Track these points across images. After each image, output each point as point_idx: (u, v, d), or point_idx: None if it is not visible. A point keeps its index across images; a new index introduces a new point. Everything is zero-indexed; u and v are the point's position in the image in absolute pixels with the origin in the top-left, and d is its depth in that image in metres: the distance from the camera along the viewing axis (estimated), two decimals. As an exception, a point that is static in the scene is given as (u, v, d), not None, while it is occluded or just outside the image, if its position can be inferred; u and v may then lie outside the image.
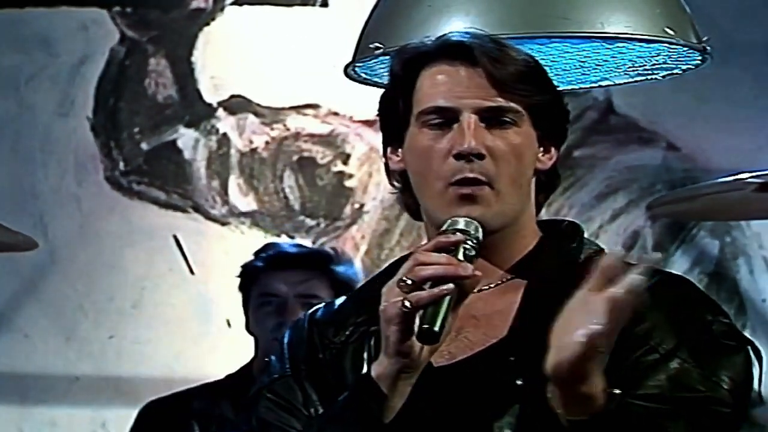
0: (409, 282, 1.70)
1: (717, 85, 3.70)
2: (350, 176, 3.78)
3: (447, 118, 1.78)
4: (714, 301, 1.84)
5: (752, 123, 3.77)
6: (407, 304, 1.69)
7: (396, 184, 1.85)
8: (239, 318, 3.14)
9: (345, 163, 3.78)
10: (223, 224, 3.75)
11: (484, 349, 1.77)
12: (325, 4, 3.77)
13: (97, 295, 3.70)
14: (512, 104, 1.78)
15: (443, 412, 1.75)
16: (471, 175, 1.76)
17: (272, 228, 3.75)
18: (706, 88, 3.69)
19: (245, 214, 3.76)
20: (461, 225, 1.74)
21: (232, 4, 3.79)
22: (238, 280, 3.10)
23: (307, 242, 3.65)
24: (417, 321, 1.72)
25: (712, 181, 3.02)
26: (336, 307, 1.88)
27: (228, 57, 3.76)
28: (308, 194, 3.78)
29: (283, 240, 3.62)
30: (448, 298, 1.69)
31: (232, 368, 3.07)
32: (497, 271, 1.81)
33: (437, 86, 1.78)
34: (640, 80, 2.30)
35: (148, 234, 3.71)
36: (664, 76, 2.30)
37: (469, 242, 1.73)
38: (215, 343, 3.62)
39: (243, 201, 3.76)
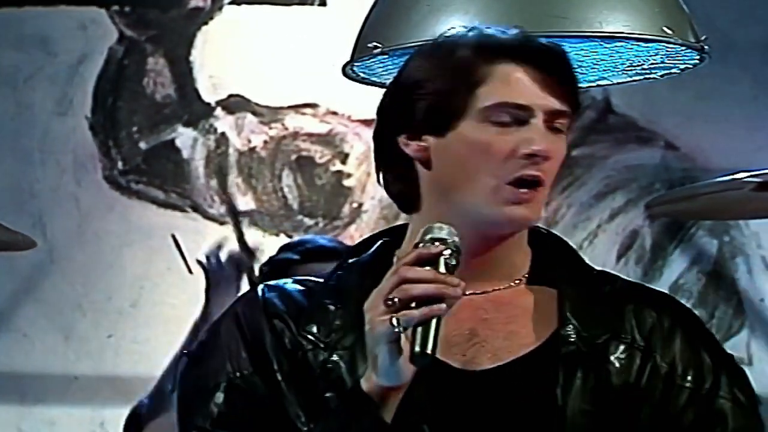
0: (397, 301, 1.64)
1: (716, 85, 3.70)
2: (349, 175, 3.78)
3: (517, 117, 1.74)
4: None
5: (751, 122, 3.77)
6: (395, 323, 1.64)
7: (394, 171, 1.80)
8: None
9: (343, 162, 3.78)
10: (222, 224, 3.74)
11: (516, 360, 1.75)
12: (323, 4, 3.77)
13: (96, 294, 3.70)
14: (571, 110, 1.77)
15: (480, 418, 1.72)
16: (536, 173, 1.73)
17: (271, 227, 3.75)
18: (704, 88, 3.69)
19: (244, 213, 3.76)
20: (437, 234, 1.67)
21: (230, 3, 3.78)
22: (265, 272, 3.08)
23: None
24: (404, 340, 1.67)
25: (710, 181, 3.02)
26: (304, 300, 1.80)
27: (226, 56, 3.76)
28: (307, 193, 3.78)
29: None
30: (438, 316, 1.63)
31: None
32: (507, 273, 1.79)
33: (512, 84, 1.74)
34: (639, 79, 2.30)
35: (147, 233, 3.71)
36: (662, 76, 2.29)
37: (449, 251, 1.66)
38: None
39: (241, 200, 3.76)
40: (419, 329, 1.63)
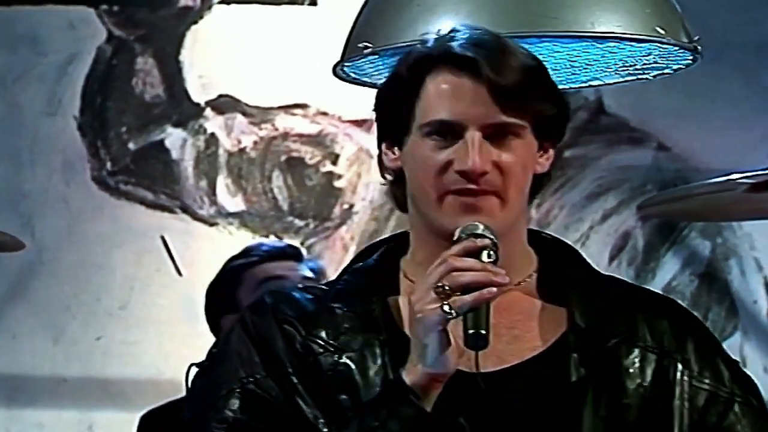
0: (447, 288, 1.69)
1: (708, 85, 3.69)
2: (339, 176, 3.77)
3: (451, 132, 1.77)
4: None
5: (743, 123, 3.76)
6: (447, 309, 1.69)
7: (388, 177, 1.84)
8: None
9: (334, 163, 3.77)
10: (211, 225, 3.73)
11: (523, 362, 1.77)
12: (313, 3, 3.75)
13: (85, 295, 3.68)
14: (517, 120, 1.77)
15: (486, 420, 1.75)
16: (473, 186, 1.75)
17: (261, 229, 3.74)
18: (697, 88, 3.68)
19: (233, 215, 3.75)
20: (480, 230, 1.75)
21: (219, 2, 3.77)
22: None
23: (296, 243, 3.64)
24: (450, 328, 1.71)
25: (703, 182, 3.01)
26: (311, 305, 1.83)
27: (216, 56, 3.75)
28: (297, 195, 3.77)
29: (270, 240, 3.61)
30: (489, 302, 1.70)
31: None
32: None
33: (442, 98, 1.77)
34: (631, 80, 2.29)
35: (136, 234, 3.69)
36: (654, 76, 2.29)
37: (491, 245, 1.74)
38: (203, 345, 3.59)
39: (231, 201, 3.75)
40: (470, 314, 1.69)
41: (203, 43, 3.75)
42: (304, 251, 3.18)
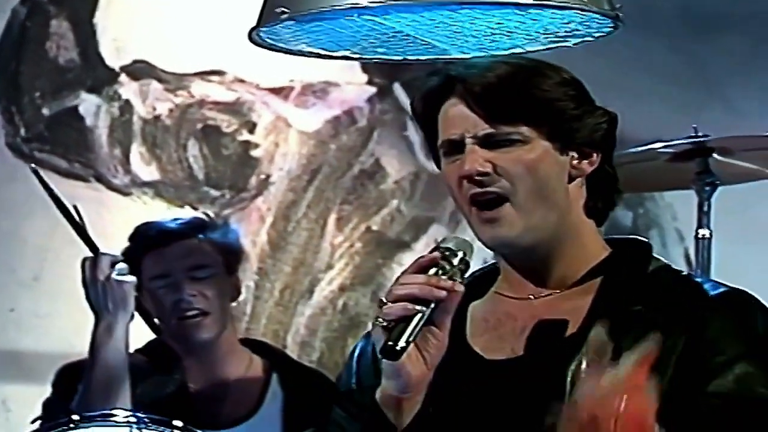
0: (384, 300, 1.79)
1: (631, 54, 3.69)
2: (256, 146, 3.74)
3: (457, 147, 1.89)
4: None
5: (666, 92, 3.77)
6: (378, 320, 1.79)
7: None
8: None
9: (251, 132, 3.74)
10: (125, 194, 3.68)
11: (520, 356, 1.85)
12: (231, -34, 3.70)
13: (-2, 266, 3.62)
14: (506, 128, 1.87)
15: (493, 404, 1.84)
16: (481, 190, 1.86)
17: (175, 199, 3.70)
18: (619, 57, 3.68)
19: (148, 184, 3.70)
20: (443, 243, 1.84)
21: (135, -36, 3.71)
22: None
23: (211, 213, 3.59)
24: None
25: (625, 151, 3.00)
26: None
27: (131, 19, 3.69)
28: (213, 164, 3.73)
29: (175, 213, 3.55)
30: (419, 316, 1.78)
31: (132, 343, 3.01)
32: (563, 280, 1.89)
33: (448, 120, 1.90)
34: (553, 48, 2.29)
35: (50, 203, 3.61)
36: (576, 44, 2.28)
37: (449, 260, 1.81)
38: (117, 317, 3.54)
39: (146, 170, 3.70)
40: (399, 325, 1.77)
41: (118, 6, 3.69)
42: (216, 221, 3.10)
